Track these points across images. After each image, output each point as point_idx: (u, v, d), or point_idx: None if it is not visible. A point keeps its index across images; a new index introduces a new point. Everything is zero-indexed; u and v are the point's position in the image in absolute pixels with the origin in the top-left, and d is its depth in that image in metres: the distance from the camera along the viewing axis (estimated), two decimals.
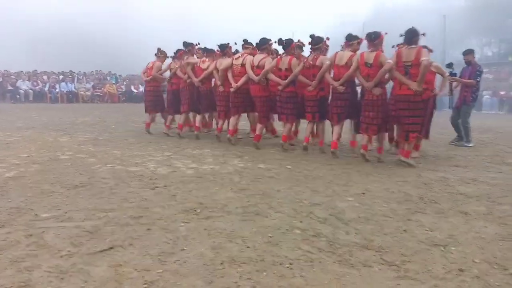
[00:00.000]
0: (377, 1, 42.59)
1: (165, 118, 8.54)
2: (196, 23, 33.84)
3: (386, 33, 5.54)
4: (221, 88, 7.06)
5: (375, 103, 5.44)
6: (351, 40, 5.78)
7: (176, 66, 7.86)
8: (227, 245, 2.53)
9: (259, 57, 6.49)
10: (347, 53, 5.71)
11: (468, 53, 7.75)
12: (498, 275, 2.27)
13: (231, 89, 6.77)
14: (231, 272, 2.20)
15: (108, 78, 24.22)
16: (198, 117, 7.79)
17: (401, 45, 5.71)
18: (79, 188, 3.86)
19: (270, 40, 6.56)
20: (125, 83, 23.98)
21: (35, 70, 22.73)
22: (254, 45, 6.86)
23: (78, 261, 2.28)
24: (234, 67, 6.82)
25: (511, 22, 38.10)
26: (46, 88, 20.61)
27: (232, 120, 6.98)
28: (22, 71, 21.96)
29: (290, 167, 5.18)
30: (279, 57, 6.50)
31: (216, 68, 7.11)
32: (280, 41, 6.35)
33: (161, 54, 8.28)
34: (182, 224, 2.91)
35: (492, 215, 3.37)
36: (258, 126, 6.78)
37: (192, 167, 5.05)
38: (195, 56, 7.79)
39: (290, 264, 2.29)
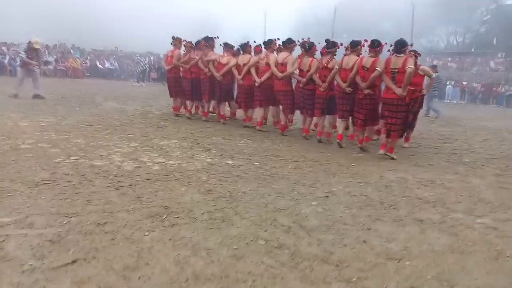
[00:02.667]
0: None
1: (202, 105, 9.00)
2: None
3: (386, 43, 6.22)
4: (241, 82, 7.93)
5: (365, 101, 6.20)
6: (355, 46, 6.50)
7: (197, 56, 8.36)
8: (191, 259, 2.57)
9: (283, 55, 7.25)
10: (353, 58, 6.38)
11: None
12: None
13: (255, 84, 7.58)
14: None
15: (72, 51, 23.32)
16: (222, 106, 8.57)
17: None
18: (41, 186, 3.77)
19: (294, 41, 7.44)
20: (89, 57, 23.17)
21: None
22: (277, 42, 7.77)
23: (40, 277, 2.26)
24: (259, 64, 7.68)
25: (478, 14, 39.25)
26: (6, 61, 19.66)
27: (258, 111, 7.86)
28: None
29: (257, 164, 5.25)
30: (300, 58, 7.21)
31: (238, 64, 7.90)
32: (303, 45, 7.18)
33: (177, 42, 8.76)
34: (147, 233, 2.91)
35: (445, 223, 3.56)
36: (283, 117, 7.58)
37: (159, 161, 5.02)
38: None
39: (253, 281, 2.36)
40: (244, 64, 7.80)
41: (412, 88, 6.35)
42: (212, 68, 8.13)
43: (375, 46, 6.12)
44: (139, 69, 19.60)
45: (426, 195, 4.37)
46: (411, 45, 6.29)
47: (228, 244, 2.83)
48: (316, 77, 6.84)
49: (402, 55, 5.78)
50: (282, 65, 7.20)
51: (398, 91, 5.69)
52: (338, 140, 6.60)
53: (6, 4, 26.46)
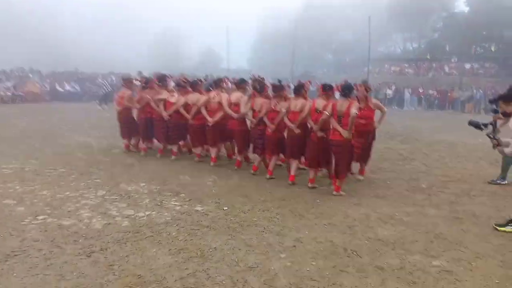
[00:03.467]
0: None
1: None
2: (126, 16, 32.56)
3: (337, 85, 6.43)
4: (191, 121, 7.81)
5: (317, 144, 6.32)
6: (299, 90, 6.64)
7: (148, 96, 8.20)
8: None
9: (236, 95, 7.43)
10: (300, 100, 6.58)
11: None
12: None
13: (209, 124, 7.58)
14: None
15: (31, 75, 22.70)
16: (174, 146, 8.40)
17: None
18: (12, 260, 3.77)
19: (247, 81, 7.76)
20: (48, 80, 22.62)
21: None
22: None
23: None
24: (210, 103, 7.63)
25: (431, 21, 41.05)
26: None
27: (212, 150, 7.88)
28: None
29: (226, 208, 5.39)
30: (252, 98, 7.19)
31: (186, 103, 7.81)
32: (254, 86, 7.26)
33: (127, 82, 8.80)
34: None
35: (404, 269, 3.82)
36: (239, 155, 7.67)
37: (128, 214, 5.07)
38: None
39: None
40: (194, 103, 7.75)
41: (364, 122, 6.68)
42: (161, 108, 8.03)
43: (327, 89, 6.35)
44: (102, 91, 19.35)
45: (386, 235, 4.64)
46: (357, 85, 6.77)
47: None
48: (265, 118, 6.90)
49: (348, 99, 6.02)
50: (235, 105, 7.33)
51: (345, 133, 5.91)
52: (289, 182, 6.63)
53: None
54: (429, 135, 13.26)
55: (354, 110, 5.83)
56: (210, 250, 4.12)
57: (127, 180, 6.61)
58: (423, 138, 12.58)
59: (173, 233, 4.53)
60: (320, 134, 6.26)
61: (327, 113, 6.02)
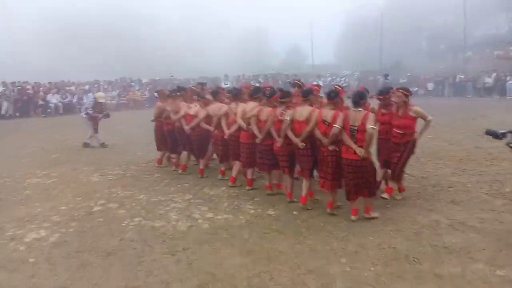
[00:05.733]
0: None
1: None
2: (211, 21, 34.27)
3: (345, 90, 6.01)
4: (216, 132, 7.40)
5: (329, 159, 5.53)
6: (307, 96, 5.88)
7: (168, 108, 8.26)
8: None
9: (251, 105, 6.64)
10: (307, 108, 5.76)
11: None
12: None
13: (225, 137, 7.11)
14: None
15: (133, 84, 25.17)
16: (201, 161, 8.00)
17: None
18: (112, 257, 4.58)
19: (262, 89, 6.96)
20: (148, 88, 24.84)
21: (63, 80, 23.88)
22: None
23: None
24: (231, 115, 7.10)
25: None
26: (75, 100, 21.68)
27: (236, 165, 7.18)
28: (50, 82, 23.06)
29: (296, 213, 5.76)
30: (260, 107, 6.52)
31: (208, 115, 7.48)
32: (264, 93, 6.63)
33: (161, 95, 9.04)
34: None
35: (463, 278, 3.87)
36: (249, 171, 6.96)
37: (208, 217, 5.71)
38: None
39: None
40: (215, 114, 7.35)
41: (401, 132, 5.84)
42: (183, 122, 7.77)
43: (332, 97, 5.56)
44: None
45: (453, 242, 4.65)
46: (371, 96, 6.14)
47: None
48: (272, 131, 6.15)
49: (361, 109, 5.22)
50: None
51: (360, 151, 5.10)
52: (301, 205, 5.93)
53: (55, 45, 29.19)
54: None
55: (371, 126, 5.03)
56: (276, 253, 4.55)
57: (210, 185, 7.30)
58: None
59: (245, 236, 5.04)
60: (331, 148, 5.46)
61: (338, 126, 5.27)
